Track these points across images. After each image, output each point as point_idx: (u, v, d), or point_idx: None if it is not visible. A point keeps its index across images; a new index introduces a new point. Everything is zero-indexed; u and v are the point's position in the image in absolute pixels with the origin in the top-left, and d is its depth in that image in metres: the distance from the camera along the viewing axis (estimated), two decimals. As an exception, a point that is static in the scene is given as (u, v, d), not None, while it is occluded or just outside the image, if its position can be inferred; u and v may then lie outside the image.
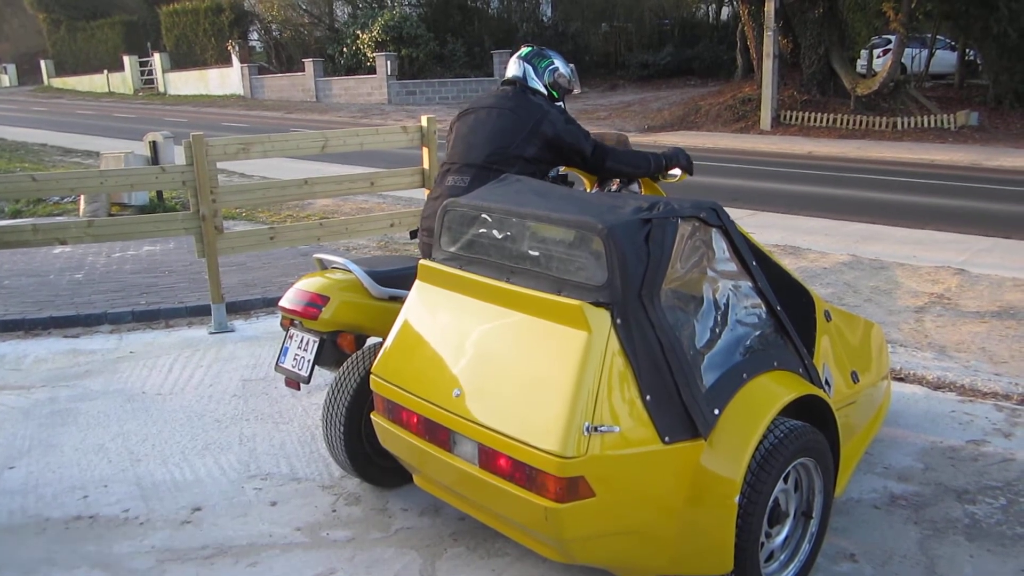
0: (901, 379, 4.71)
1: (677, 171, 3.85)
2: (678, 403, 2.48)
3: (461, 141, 3.63)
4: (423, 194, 5.64)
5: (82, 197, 9.65)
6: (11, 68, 49.07)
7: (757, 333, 2.81)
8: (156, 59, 37.57)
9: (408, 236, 3.99)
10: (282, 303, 3.67)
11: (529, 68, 3.72)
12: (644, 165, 3.75)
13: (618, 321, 2.41)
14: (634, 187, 3.93)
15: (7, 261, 7.47)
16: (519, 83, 3.70)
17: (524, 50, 3.81)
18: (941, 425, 4.13)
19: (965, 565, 2.98)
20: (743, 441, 2.53)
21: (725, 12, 29.36)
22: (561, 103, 3.79)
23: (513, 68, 3.76)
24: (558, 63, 3.78)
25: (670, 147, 3.89)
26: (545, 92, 3.72)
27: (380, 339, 3.39)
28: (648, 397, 2.43)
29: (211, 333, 5.66)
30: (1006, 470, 3.67)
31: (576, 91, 3.91)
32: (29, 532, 3.29)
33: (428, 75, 28.07)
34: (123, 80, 38.99)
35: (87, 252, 7.86)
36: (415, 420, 2.78)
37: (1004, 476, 3.61)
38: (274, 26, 33.97)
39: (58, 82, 44.00)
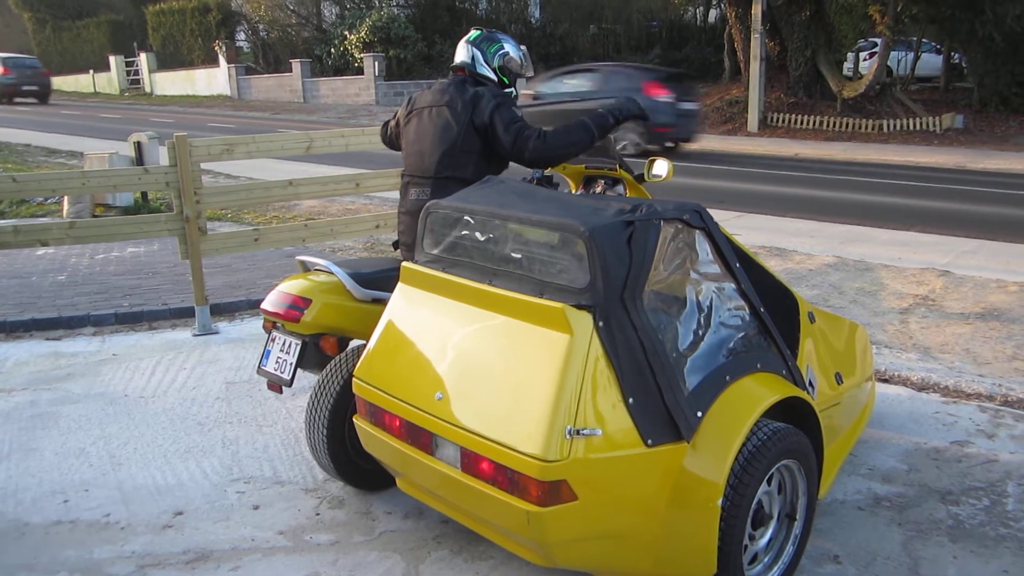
0: (885, 380, 4.73)
1: (662, 171, 3.79)
2: (661, 406, 2.47)
3: (412, 150, 3.59)
4: (409, 195, 5.62)
5: (66, 198, 9.57)
6: (-4, 68, 48.70)
7: (740, 335, 2.81)
8: (142, 59, 37.37)
9: (392, 247, 3.97)
10: (264, 305, 3.65)
11: (478, 53, 3.60)
12: (584, 137, 3.36)
13: (600, 324, 2.40)
14: (619, 189, 3.92)
15: (-11, 263, 7.40)
16: (467, 70, 3.61)
17: (473, 34, 3.69)
18: (925, 426, 4.15)
19: (948, 566, 2.99)
20: (726, 443, 2.52)
21: (713, 15, 29.48)
22: (512, 88, 3.69)
23: (461, 53, 3.63)
24: (508, 47, 3.64)
25: (622, 97, 3.56)
26: (495, 78, 3.61)
27: (363, 341, 3.37)
28: (631, 400, 2.42)
29: (195, 335, 5.62)
30: (989, 471, 3.68)
31: (528, 75, 3.77)
32: (8, 537, 3.25)
33: (416, 76, 28.04)
34: (109, 80, 38.76)
35: (70, 253, 7.80)
36: (397, 423, 2.76)
37: (987, 477, 3.63)
38: (261, 26, 33.86)
39: (43, 82, 43.67)
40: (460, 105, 3.45)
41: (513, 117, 3.39)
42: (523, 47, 3.78)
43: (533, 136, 3.33)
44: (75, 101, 35.30)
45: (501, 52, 3.63)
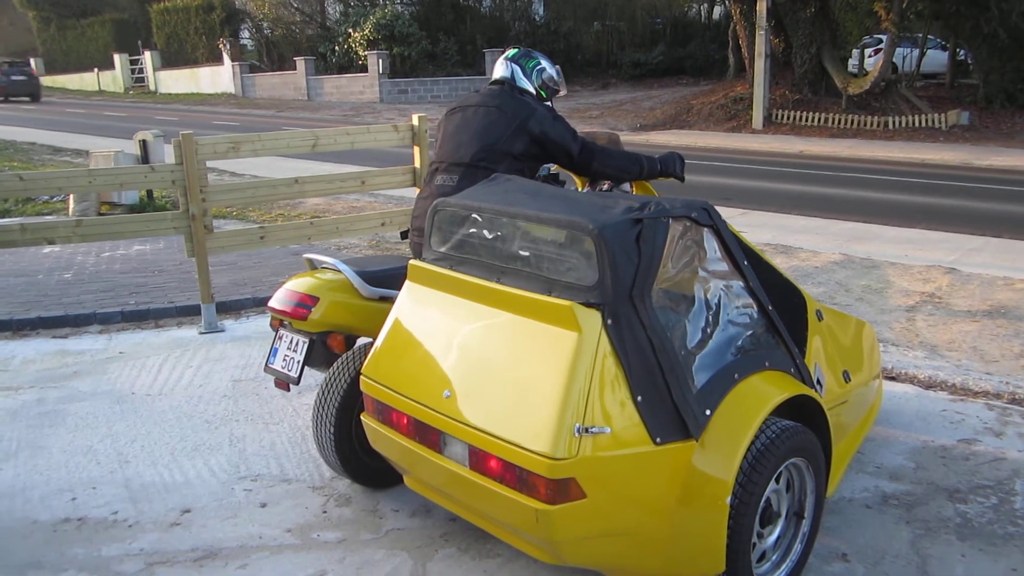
0: (892, 378, 4.72)
1: None
2: (669, 404, 2.46)
3: (449, 140, 3.62)
4: (414, 193, 5.61)
5: (71, 196, 9.60)
6: (1, 66, 48.75)
7: (748, 333, 2.80)
8: (147, 57, 37.43)
9: (399, 236, 4.04)
10: (271, 303, 3.65)
11: (517, 69, 3.71)
12: (634, 169, 3.68)
13: (609, 322, 2.40)
14: (625, 186, 3.92)
15: (-5, 261, 7.42)
16: (507, 83, 3.69)
17: (511, 51, 3.80)
18: (932, 424, 4.14)
19: (956, 565, 2.98)
20: (735, 442, 2.52)
21: (717, 11, 29.43)
22: (549, 103, 3.78)
23: (500, 69, 3.75)
24: (544, 64, 3.77)
25: (666, 151, 3.85)
26: (534, 92, 3.71)
27: (370, 339, 3.37)
28: (639, 398, 2.42)
29: (201, 333, 5.63)
30: (997, 469, 3.67)
31: (562, 92, 3.90)
32: (16, 535, 3.26)
33: (420, 73, 28.04)
34: (113, 78, 38.82)
35: (76, 252, 7.82)
36: (405, 421, 2.76)
37: (995, 475, 3.62)
38: (265, 24, 33.88)
39: (48, 80, 43.71)
40: (512, 110, 3.53)
41: (574, 131, 3.61)
42: (557, 66, 3.88)
43: (598, 149, 3.61)
44: (80, 99, 35.38)
45: (539, 68, 3.75)
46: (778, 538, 2.84)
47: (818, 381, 3.23)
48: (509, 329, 2.57)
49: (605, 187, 3.89)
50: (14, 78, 32.59)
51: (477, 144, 3.49)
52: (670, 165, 3.77)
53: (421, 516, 3.32)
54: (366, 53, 27.56)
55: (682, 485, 2.48)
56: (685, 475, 2.49)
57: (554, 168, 3.86)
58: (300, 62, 29.74)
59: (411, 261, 2.98)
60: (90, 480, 3.67)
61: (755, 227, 8.74)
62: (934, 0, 17.90)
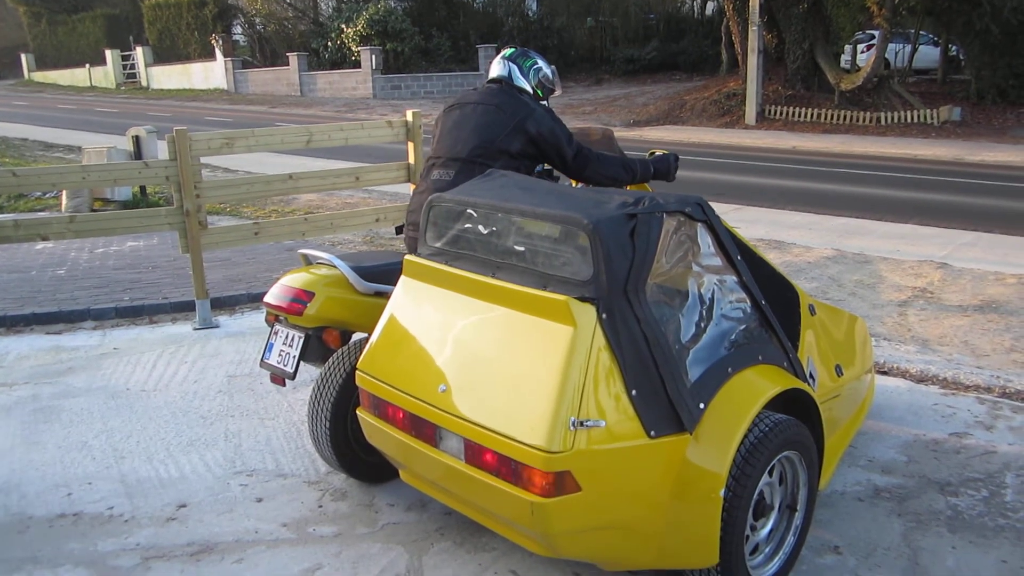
0: (884, 372, 4.75)
1: None
2: (664, 397, 2.48)
3: (447, 136, 3.63)
4: (408, 189, 5.64)
5: (64, 192, 9.57)
6: (-9, 62, 48.59)
7: (742, 327, 2.82)
8: (139, 53, 37.27)
9: (394, 232, 4.09)
10: (267, 299, 3.66)
11: (514, 68, 3.72)
12: (626, 177, 3.69)
13: (604, 316, 2.41)
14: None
15: (-12, 257, 7.40)
16: (505, 82, 3.70)
17: (508, 51, 3.81)
18: (924, 418, 4.17)
19: (948, 557, 3.01)
20: (728, 435, 2.54)
21: (710, 7, 29.45)
22: (546, 102, 3.79)
23: (498, 68, 3.75)
24: (541, 63, 3.79)
25: (660, 152, 3.86)
26: (531, 91, 3.73)
27: (366, 335, 3.38)
28: (634, 392, 2.43)
29: (196, 329, 5.63)
30: (988, 462, 3.70)
31: (558, 92, 3.92)
32: (12, 530, 3.26)
33: (413, 69, 28.00)
34: (105, 74, 38.66)
35: (69, 248, 7.80)
36: (401, 416, 2.77)
37: (986, 468, 3.65)
38: (258, 20, 33.77)
39: (39, 76, 43.60)
40: (511, 109, 3.54)
41: (570, 134, 3.62)
42: (552, 66, 3.89)
43: (592, 155, 3.62)
44: (71, 95, 35.22)
45: (535, 67, 3.76)
46: (771, 531, 2.87)
47: (811, 375, 3.26)
48: (504, 324, 2.58)
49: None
50: None
51: (475, 140, 3.50)
52: (665, 165, 3.79)
53: (417, 510, 3.34)
54: (359, 49, 27.51)
55: (676, 478, 2.50)
56: (679, 468, 2.51)
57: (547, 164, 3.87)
58: (293, 58, 29.65)
59: (407, 256, 2.99)
60: (85, 476, 3.67)
61: (748, 222, 8.77)
62: (926, -4, 17.97)
